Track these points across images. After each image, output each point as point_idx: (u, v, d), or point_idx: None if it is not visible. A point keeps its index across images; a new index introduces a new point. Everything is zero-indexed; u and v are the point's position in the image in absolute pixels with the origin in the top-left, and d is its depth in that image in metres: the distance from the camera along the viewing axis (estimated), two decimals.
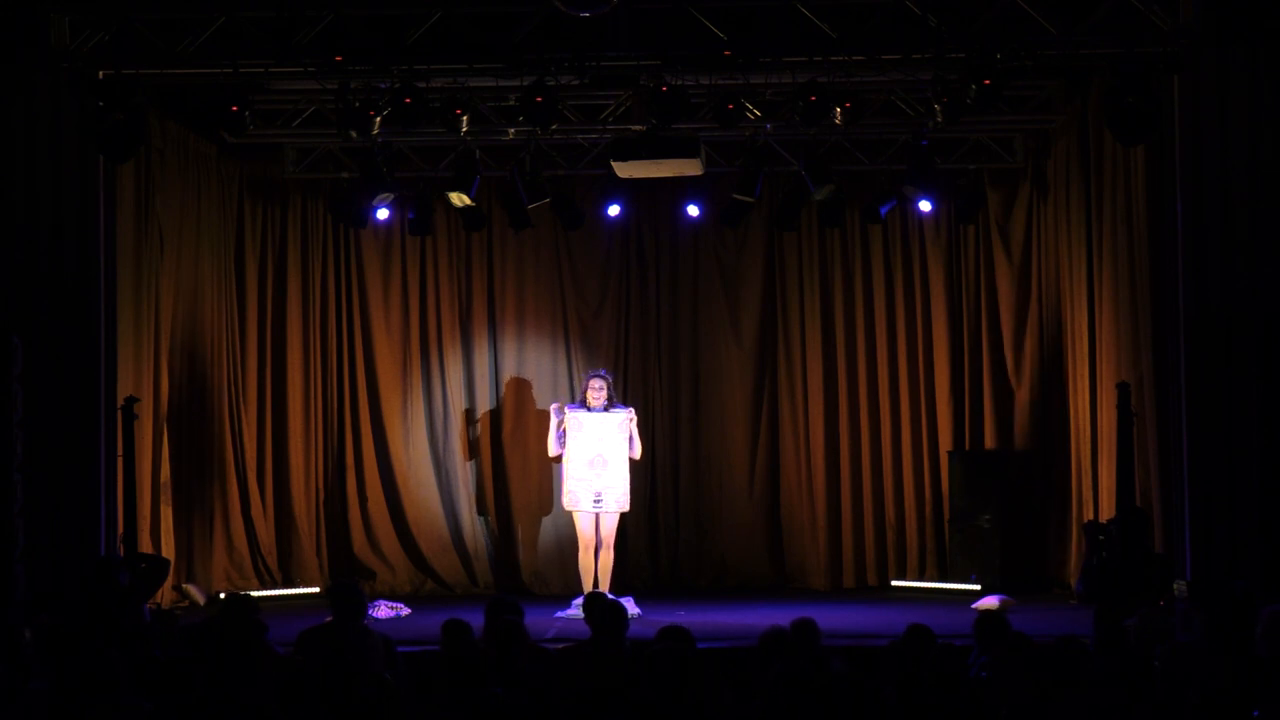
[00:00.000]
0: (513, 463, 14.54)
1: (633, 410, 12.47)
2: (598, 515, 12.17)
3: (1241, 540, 10.66)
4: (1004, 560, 13.47)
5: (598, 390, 12.26)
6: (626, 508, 12.38)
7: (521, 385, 14.62)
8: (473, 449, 14.55)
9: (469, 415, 14.60)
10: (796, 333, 14.56)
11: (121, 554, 11.10)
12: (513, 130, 12.63)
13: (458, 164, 12.70)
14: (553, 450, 12.49)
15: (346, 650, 6.99)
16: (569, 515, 14.43)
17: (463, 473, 14.52)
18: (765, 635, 7.04)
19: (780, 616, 9.19)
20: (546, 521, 14.42)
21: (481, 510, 14.50)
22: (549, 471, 14.51)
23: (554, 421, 12.42)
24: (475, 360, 14.63)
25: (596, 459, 12.16)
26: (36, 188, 11.13)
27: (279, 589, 13.88)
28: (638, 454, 12.40)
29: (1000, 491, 13.61)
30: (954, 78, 10.79)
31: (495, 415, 14.60)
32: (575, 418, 12.27)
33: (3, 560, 10.19)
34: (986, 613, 8.48)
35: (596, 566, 12.15)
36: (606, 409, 12.27)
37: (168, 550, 12.83)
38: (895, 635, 7.32)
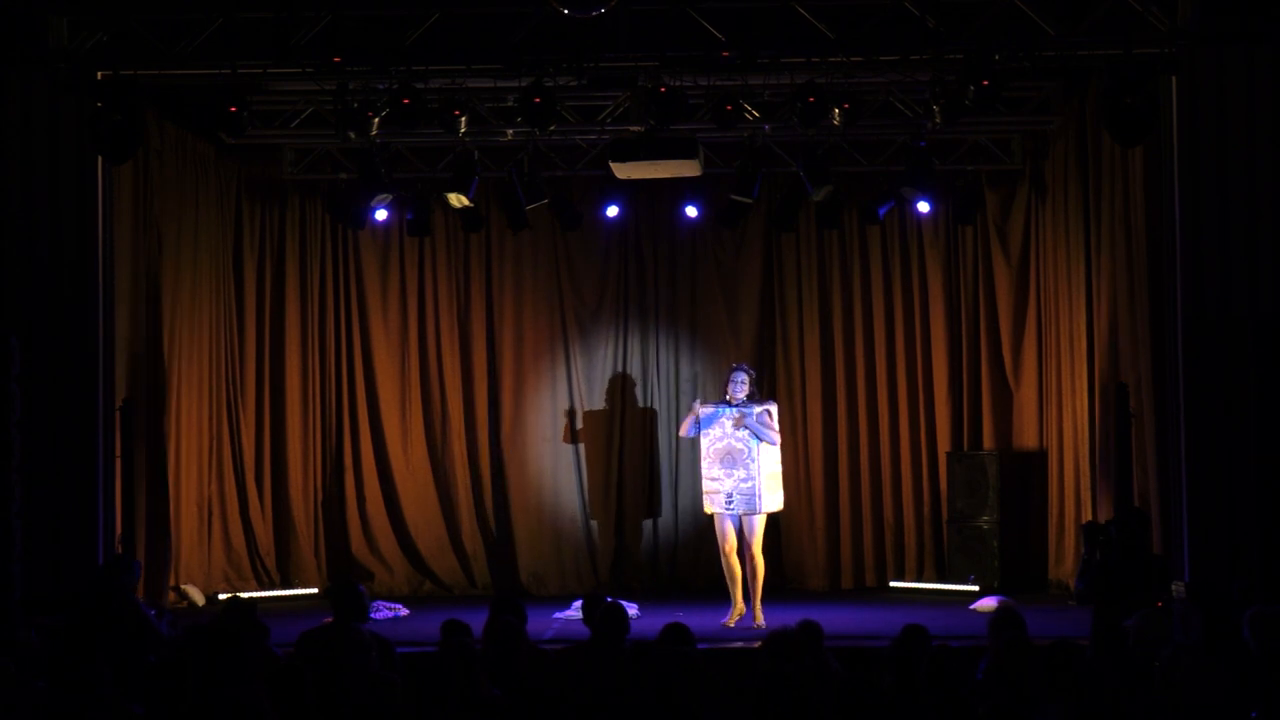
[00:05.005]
0: (511, 463, 14.54)
1: (772, 404, 11.72)
2: (740, 519, 11.46)
3: (1240, 541, 10.68)
4: (1002, 561, 13.49)
5: (738, 384, 11.57)
6: (761, 509, 11.45)
7: (520, 386, 14.61)
8: (471, 450, 14.54)
9: (467, 416, 14.58)
10: (795, 334, 14.56)
11: (119, 551, 11.12)
12: (511, 131, 12.63)
13: (456, 165, 12.70)
14: (682, 432, 12.00)
15: (347, 651, 6.99)
16: (568, 516, 14.53)
17: (461, 474, 14.51)
18: (772, 635, 7.05)
19: (779, 617, 9.24)
20: (545, 523, 14.43)
21: (479, 512, 14.49)
22: (547, 472, 14.52)
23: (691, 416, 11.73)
24: (473, 361, 14.62)
25: (726, 458, 11.49)
26: (34, 188, 11.14)
27: (277, 590, 13.88)
28: (775, 439, 11.55)
29: (999, 492, 13.62)
30: (952, 78, 10.80)
31: (493, 416, 14.59)
32: (707, 413, 11.60)
33: (1, 561, 10.19)
34: (1008, 607, 8.44)
35: (744, 572, 11.49)
36: (742, 404, 11.51)
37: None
38: (893, 636, 7.31)
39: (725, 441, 11.51)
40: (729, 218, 13.52)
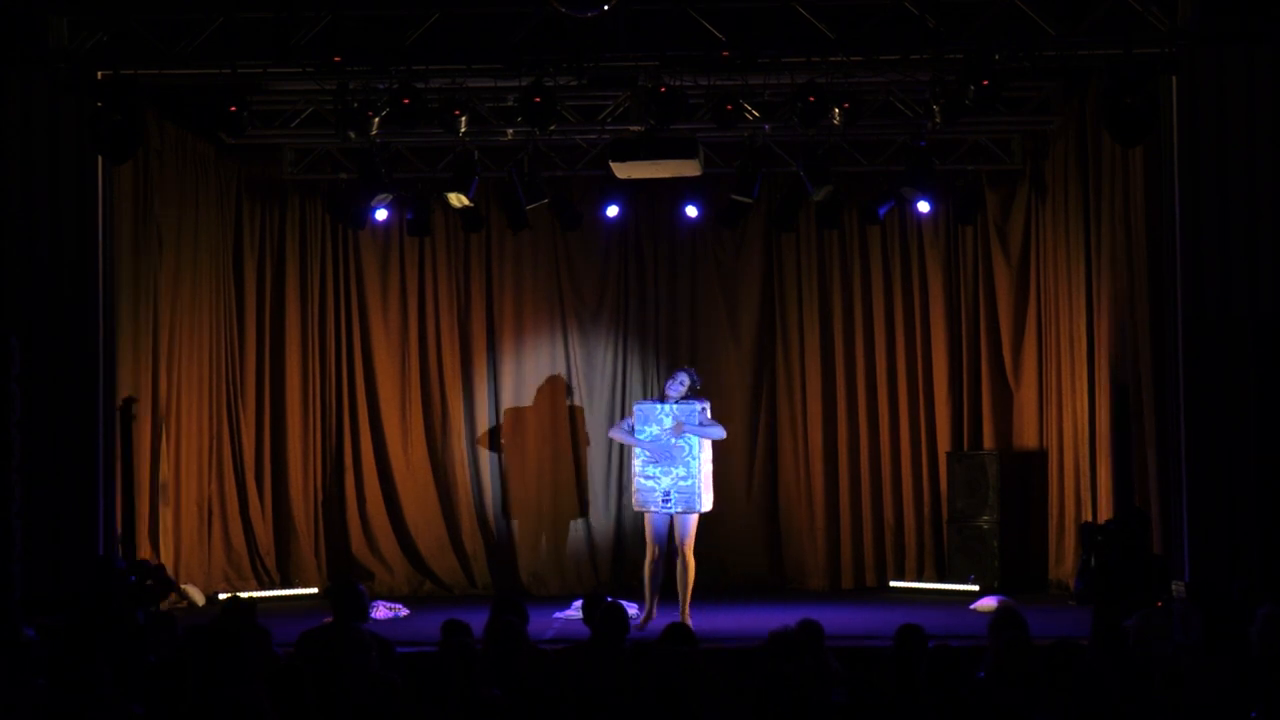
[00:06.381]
0: (511, 463, 14.54)
1: (706, 402, 11.63)
2: (672, 518, 11.42)
3: (1240, 541, 10.68)
4: (1002, 561, 13.49)
5: (678, 384, 11.51)
6: (699, 508, 11.41)
7: (519, 386, 14.61)
8: (471, 450, 14.54)
9: (467, 416, 14.59)
10: (795, 334, 14.56)
11: (120, 553, 11.10)
12: (511, 131, 12.63)
13: (456, 165, 12.69)
14: (610, 430, 12.13)
15: (347, 651, 6.99)
16: (569, 516, 14.52)
17: (461, 474, 14.51)
18: (772, 636, 7.05)
19: (779, 617, 9.22)
20: (545, 523, 14.43)
21: (480, 512, 14.49)
22: (547, 472, 14.52)
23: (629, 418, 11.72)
24: (473, 361, 14.63)
25: (664, 455, 11.42)
26: (34, 188, 11.14)
27: (277, 590, 13.88)
28: (721, 433, 11.54)
29: (999, 492, 13.62)
30: (952, 78, 10.80)
31: (494, 416, 14.60)
32: (642, 410, 11.55)
33: (1, 561, 10.19)
34: (1008, 607, 8.45)
35: (662, 575, 11.43)
36: (677, 402, 11.47)
37: (166, 551, 12.85)
38: (893, 636, 7.32)
39: (660, 439, 11.44)
40: (729, 218, 13.51)
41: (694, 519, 11.43)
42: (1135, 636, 7.30)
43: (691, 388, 11.58)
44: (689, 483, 11.39)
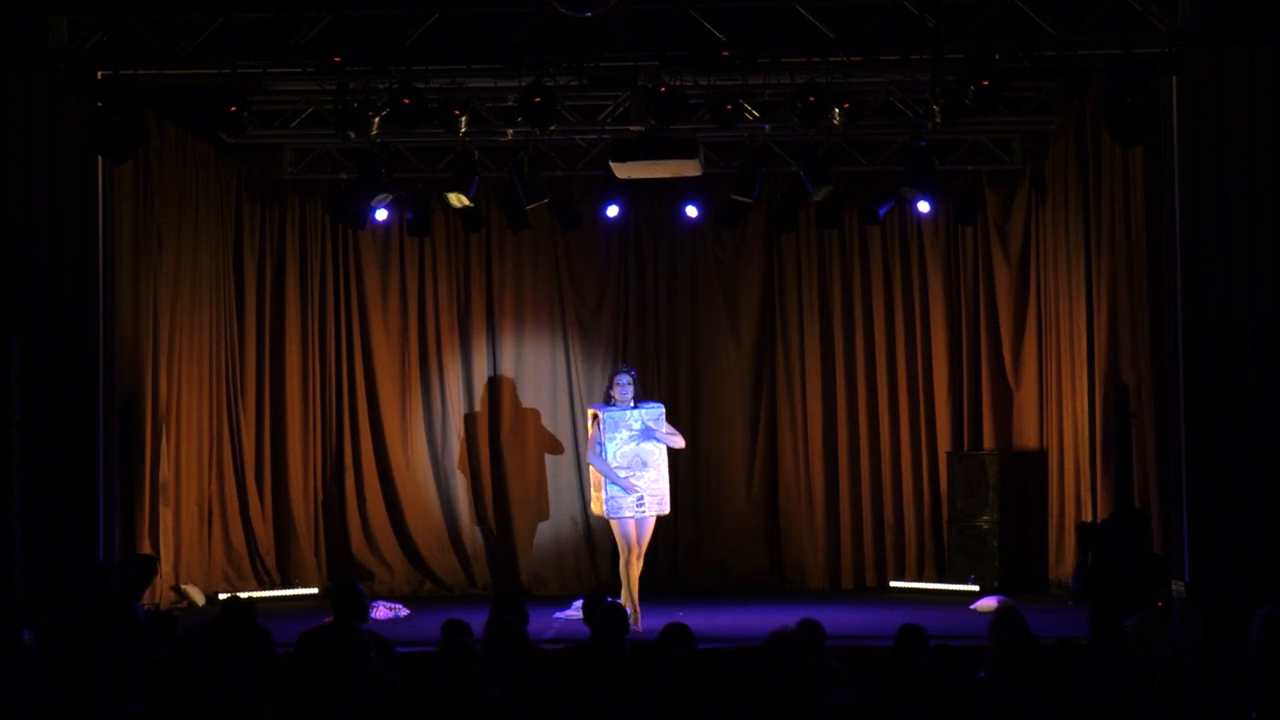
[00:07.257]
0: (511, 463, 14.54)
1: (661, 406, 11.83)
2: (634, 520, 11.46)
3: (1240, 541, 10.69)
4: (1002, 561, 13.49)
5: (624, 386, 11.59)
6: (666, 510, 11.71)
7: (520, 386, 14.62)
8: (471, 450, 14.54)
9: (467, 416, 14.60)
10: (795, 334, 14.56)
11: (119, 555, 11.11)
12: (511, 131, 12.63)
13: (456, 165, 12.69)
14: (590, 457, 11.71)
15: (347, 651, 6.99)
16: (569, 515, 14.51)
17: (461, 473, 14.51)
18: (772, 636, 7.05)
19: (779, 617, 9.24)
20: (545, 522, 14.44)
21: (480, 512, 14.50)
22: (547, 472, 14.51)
23: (595, 430, 11.64)
24: (474, 361, 14.63)
25: (635, 460, 11.51)
26: (34, 188, 11.15)
27: (277, 590, 13.88)
28: (682, 443, 11.87)
29: (999, 492, 13.62)
30: (952, 78, 10.80)
31: (494, 416, 14.60)
32: (611, 417, 11.54)
33: (1, 561, 10.19)
34: (1008, 607, 8.44)
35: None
36: (634, 406, 11.58)
37: (166, 551, 12.85)
38: (893, 636, 7.32)
39: (632, 443, 11.50)
40: (729, 218, 13.52)
41: (654, 521, 11.59)
42: (1135, 636, 7.30)
43: (636, 381, 11.72)
44: (660, 485, 11.55)
